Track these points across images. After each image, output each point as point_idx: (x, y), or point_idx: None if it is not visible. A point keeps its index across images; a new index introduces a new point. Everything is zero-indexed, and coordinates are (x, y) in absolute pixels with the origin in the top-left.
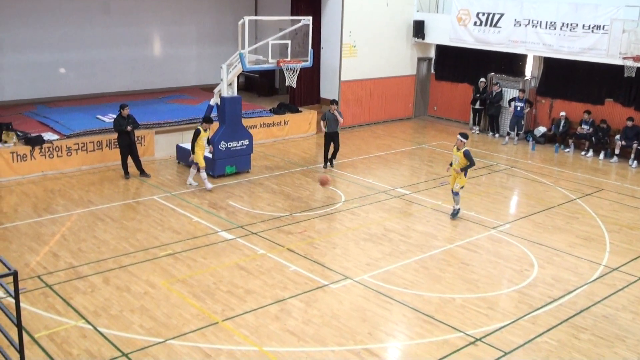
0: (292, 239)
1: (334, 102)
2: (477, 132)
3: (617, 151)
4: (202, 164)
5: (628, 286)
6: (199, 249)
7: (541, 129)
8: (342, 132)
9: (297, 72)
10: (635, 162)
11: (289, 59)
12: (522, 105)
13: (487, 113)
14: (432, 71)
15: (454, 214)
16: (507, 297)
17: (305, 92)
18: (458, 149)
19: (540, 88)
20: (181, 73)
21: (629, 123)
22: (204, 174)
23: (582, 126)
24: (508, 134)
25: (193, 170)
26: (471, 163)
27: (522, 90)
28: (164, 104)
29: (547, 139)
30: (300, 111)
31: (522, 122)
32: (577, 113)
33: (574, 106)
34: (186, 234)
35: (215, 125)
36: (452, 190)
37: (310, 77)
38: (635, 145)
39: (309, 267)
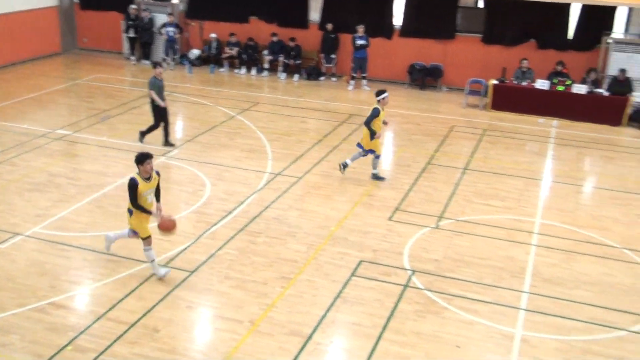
0: None
1: (158, 64)
2: (135, 61)
3: (266, 65)
4: (147, 232)
5: (291, 187)
6: None
7: (195, 52)
8: None
9: None
10: (284, 74)
11: None
12: (173, 29)
13: (141, 41)
14: (76, 0)
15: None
16: (185, 220)
17: None
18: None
19: (188, 11)
20: None
21: (274, 38)
22: (152, 253)
23: (229, 48)
24: (163, 59)
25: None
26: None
27: (171, 14)
28: None
29: (202, 61)
30: None
31: (176, 47)
32: (226, 32)
33: (222, 26)
34: None
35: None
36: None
37: None
38: (281, 59)
39: None
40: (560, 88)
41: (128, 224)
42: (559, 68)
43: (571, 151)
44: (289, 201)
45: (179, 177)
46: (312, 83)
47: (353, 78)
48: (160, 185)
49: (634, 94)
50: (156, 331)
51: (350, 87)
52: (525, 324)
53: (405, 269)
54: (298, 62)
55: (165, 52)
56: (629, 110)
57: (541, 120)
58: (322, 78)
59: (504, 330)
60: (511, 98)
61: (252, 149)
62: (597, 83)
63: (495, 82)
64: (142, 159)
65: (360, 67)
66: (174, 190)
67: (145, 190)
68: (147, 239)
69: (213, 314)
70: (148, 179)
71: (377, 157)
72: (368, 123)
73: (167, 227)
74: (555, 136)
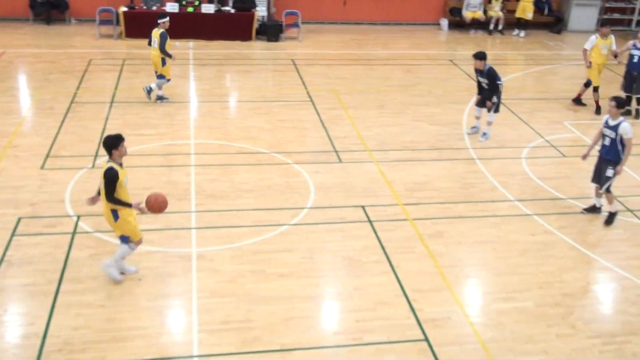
0: None
1: None
2: None
3: None
4: (139, 234)
5: None
6: None
7: None
8: None
9: None
10: None
11: None
12: None
13: None
14: None
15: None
16: None
17: None
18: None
19: None
20: None
21: None
22: (127, 248)
23: None
24: None
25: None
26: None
27: None
28: None
29: None
30: None
31: None
32: None
33: None
34: None
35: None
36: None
37: None
38: None
39: None
40: (190, 9)
41: (116, 233)
42: None
43: (211, 70)
44: None
45: None
46: None
47: None
48: None
49: (257, 8)
50: None
51: None
52: (199, 241)
53: (70, 216)
54: None
55: None
56: (255, 25)
57: (177, 43)
58: None
59: (180, 252)
60: (144, 24)
61: None
62: (223, 1)
63: (124, 9)
64: (117, 141)
65: None
66: None
67: (123, 178)
68: (139, 241)
69: None
70: (121, 164)
71: (168, 81)
72: (163, 48)
73: (160, 206)
74: (193, 57)
